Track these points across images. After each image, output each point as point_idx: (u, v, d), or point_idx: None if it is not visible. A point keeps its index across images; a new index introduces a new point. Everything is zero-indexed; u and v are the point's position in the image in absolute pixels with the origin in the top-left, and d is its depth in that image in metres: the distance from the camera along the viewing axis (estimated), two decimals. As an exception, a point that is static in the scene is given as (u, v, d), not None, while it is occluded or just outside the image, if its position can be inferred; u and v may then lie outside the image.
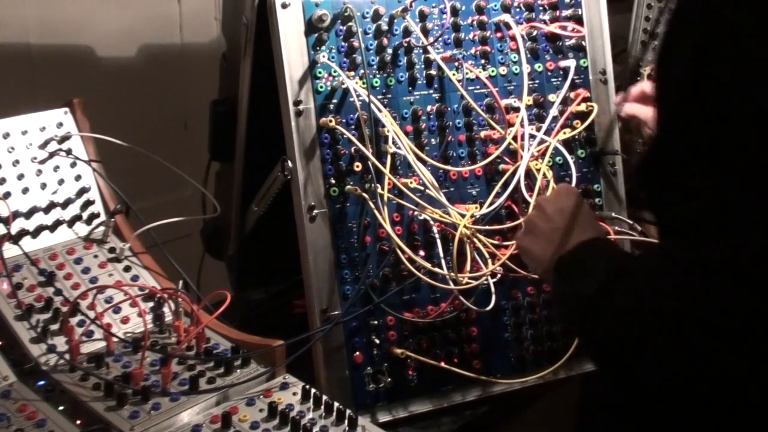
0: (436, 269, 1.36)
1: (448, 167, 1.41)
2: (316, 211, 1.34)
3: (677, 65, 0.86)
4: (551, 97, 1.50)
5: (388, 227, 1.34)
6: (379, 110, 1.35)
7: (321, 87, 1.35)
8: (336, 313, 1.34)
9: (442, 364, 1.39)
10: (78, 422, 1.11)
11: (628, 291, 0.92)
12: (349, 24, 1.36)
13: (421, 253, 1.38)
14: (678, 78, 0.86)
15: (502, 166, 1.45)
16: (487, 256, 1.40)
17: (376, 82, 1.38)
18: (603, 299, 0.95)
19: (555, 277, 1.13)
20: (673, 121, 0.87)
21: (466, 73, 1.43)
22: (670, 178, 0.86)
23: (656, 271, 0.89)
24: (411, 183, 1.37)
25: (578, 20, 1.52)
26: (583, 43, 1.52)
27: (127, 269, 1.38)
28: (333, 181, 1.35)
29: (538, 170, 1.44)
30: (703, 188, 0.82)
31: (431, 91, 1.42)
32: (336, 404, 1.16)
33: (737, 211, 0.80)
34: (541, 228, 1.21)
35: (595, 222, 1.24)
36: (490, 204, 1.42)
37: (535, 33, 1.50)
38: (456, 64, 1.43)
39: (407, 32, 1.40)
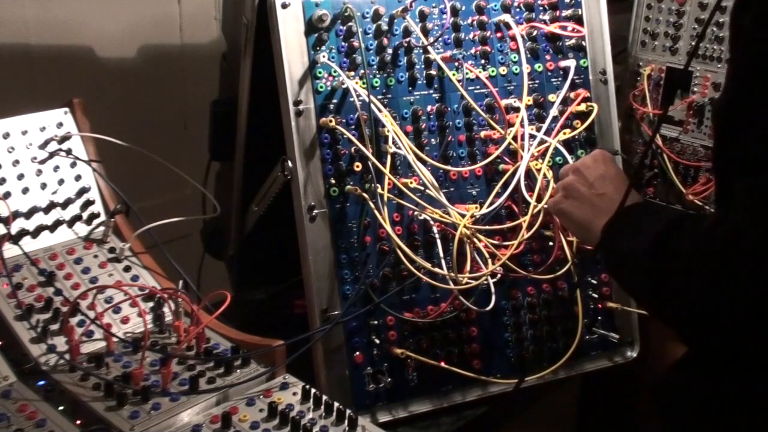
0: (436, 269, 1.36)
1: (448, 167, 1.41)
2: (316, 211, 1.34)
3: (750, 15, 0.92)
4: (551, 97, 1.50)
5: (388, 227, 1.34)
6: (379, 110, 1.35)
7: (321, 87, 1.35)
8: (336, 313, 1.34)
9: (442, 364, 1.39)
10: (78, 422, 1.11)
11: (683, 236, 0.96)
12: (349, 24, 1.36)
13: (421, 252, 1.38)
14: (748, 28, 0.92)
15: (502, 166, 1.45)
16: (487, 256, 1.40)
17: (376, 82, 1.38)
18: (660, 248, 0.98)
19: (607, 241, 1.13)
20: (742, 69, 0.93)
21: (466, 73, 1.43)
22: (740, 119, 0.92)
23: (706, 221, 0.95)
24: (411, 183, 1.37)
25: (578, 20, 1.52)
26: (583, 43, 1.52)
27: (127, 269, 1.38)
28: (333, 181, 1.35)
29: (538, 170, 1.44)
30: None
31: (431, 91, 1.42)
32: (336, 404, 1.16)
33: None
34: (584, 194, 1.23)
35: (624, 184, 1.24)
36: (490, 204, 1.42)
37: (535, 33, 1.49)
38: (456, 64, 1.43)
39: (407, 32, 1.40)
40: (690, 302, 0.96)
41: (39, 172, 1.40)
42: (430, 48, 1.41)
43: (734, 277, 0.90)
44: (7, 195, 1.35)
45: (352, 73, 1.36)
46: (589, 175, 1.26)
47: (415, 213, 1.38)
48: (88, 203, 1.43)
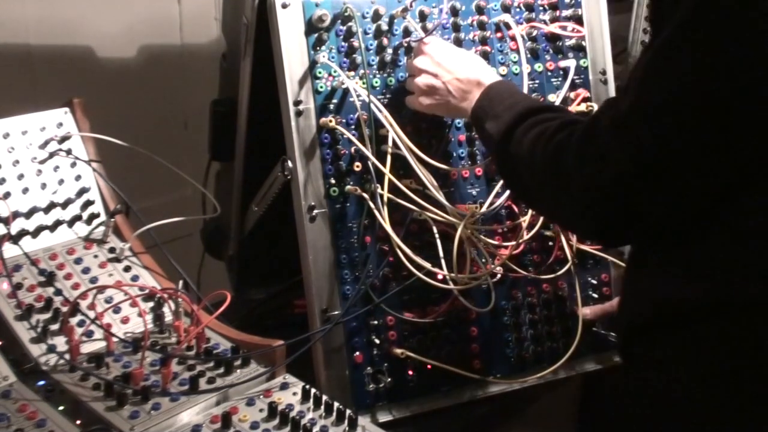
0: (436, 269, 1.36)
1: (448, 167, 1.41)
2: (316, 211, 1.34)
3: None
4: (551, 97, 1.50)
5: (388, 227, 1.34)
6: (379, 110, 1.35)
7: (321, 87, 1.35)
8: (336, 313, 1.34)
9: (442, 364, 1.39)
10: (78, 422, 1.11)
11: (521, 136, 1.13)
12: (349, 24, 1.36)
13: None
14: None
15: (502, 166, 1.45)
16: (487, 256, 1.40)
17: (376, 82, 1.38)
18: (505, 141, 1.16)
19: (475, 126, 1.29)
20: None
21: (466, 73, 1.43)
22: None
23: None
24: (411, 183, 1.37)
25: (578, 20, 1.51)
26: (583, 43, 1.52)
27: (127, 269, 1.38)
28: (333, 181, 1.35)
29: (538, 170, 1.44)
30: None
31: (431, 91, 1.42)
32: (336, 404, 1.16)
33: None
34: (441, 90, 1.31)
35: (480, 60, 1.37)
36: (490, 204, 1.42)
37: (535, 33, 1.49)
38: (456, 64, 1.43)
39: (407, 32, 1.40)
40: (519, 188, 1.21)
41: (39, 172, 1.40)
42: (430, 48, 1.40)
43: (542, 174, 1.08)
44: (7, 195, 1.35)
45: (352, 73, 1.36)
46: (434, 68, 1.32)
47: (415, 213, 1.38)
48: (88, 203, 1.43)
